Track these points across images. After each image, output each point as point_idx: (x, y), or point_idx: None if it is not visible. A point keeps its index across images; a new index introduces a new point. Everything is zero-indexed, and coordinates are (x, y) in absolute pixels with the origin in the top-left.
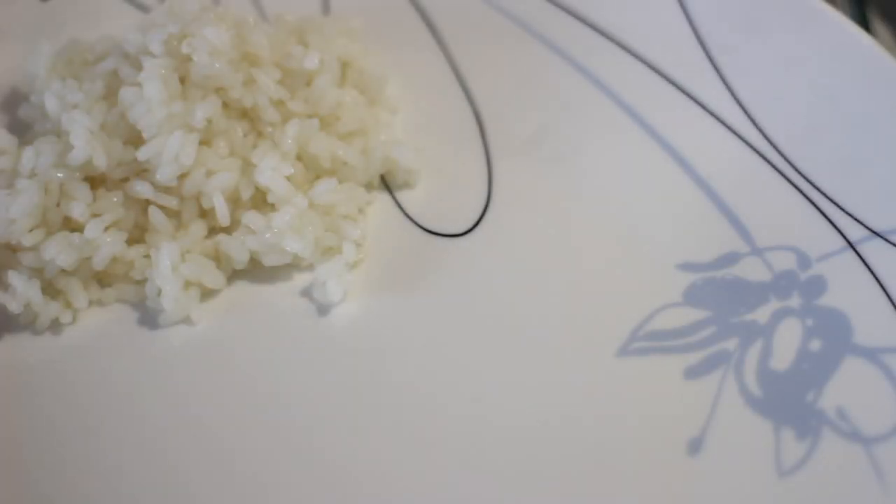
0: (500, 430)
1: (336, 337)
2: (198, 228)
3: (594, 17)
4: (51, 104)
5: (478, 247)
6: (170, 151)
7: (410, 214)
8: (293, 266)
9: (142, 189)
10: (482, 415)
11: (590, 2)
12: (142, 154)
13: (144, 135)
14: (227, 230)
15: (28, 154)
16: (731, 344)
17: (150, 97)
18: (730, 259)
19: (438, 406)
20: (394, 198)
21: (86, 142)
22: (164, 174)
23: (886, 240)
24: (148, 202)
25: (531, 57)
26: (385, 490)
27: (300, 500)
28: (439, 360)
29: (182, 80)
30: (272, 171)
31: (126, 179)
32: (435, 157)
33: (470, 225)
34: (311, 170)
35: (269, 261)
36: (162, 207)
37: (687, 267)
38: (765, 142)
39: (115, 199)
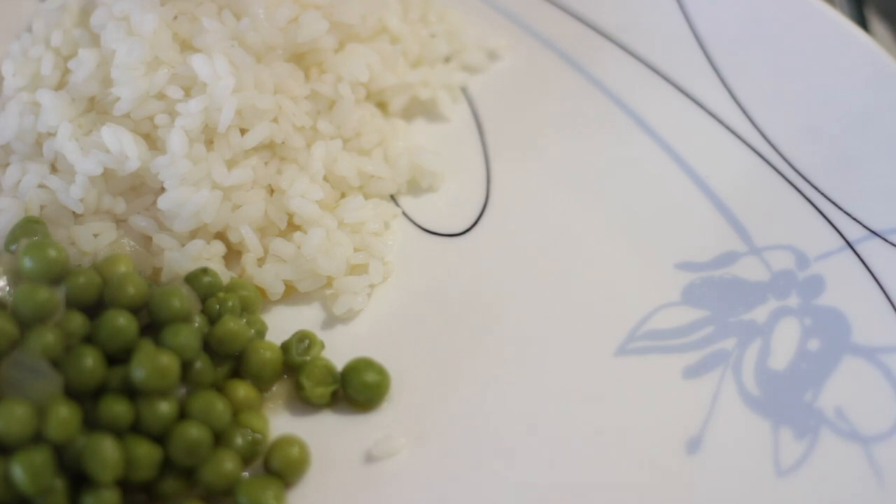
0: (498, 429)
1: (334, 335)
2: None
3: (594, 17)
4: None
5: (476, 246)
6: (191, 207)
7: (409, 214)
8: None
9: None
10: (479, 413)
11: (590, 2)
12: (162, 203)
13: (165, 185)
14: (259, 261)
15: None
16: (729, 343)
17: (173, 150)
18: (728, 258)
19: (436, 405)
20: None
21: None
22: (181, 227)
23: (885, 239)
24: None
25: (530, 56)
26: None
27: None
28: (437, 359)
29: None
30: (302, 197)
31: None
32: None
33: (468, 225)
34: (338, 188)
35: (304, 287)
36: None
37: (685, 266)
38: (763, 141)
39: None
